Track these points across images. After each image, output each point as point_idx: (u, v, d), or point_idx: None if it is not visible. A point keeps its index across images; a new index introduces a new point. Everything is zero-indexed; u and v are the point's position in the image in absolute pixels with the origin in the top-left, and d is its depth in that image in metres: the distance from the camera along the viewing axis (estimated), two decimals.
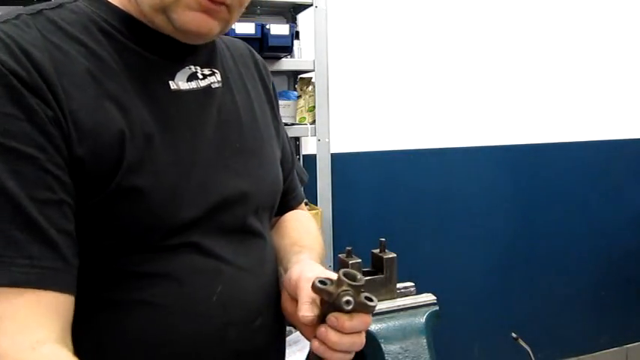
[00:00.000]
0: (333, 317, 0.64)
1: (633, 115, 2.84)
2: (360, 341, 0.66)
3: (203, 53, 0.77)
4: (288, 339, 0.86)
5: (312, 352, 0.66)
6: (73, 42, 0.64)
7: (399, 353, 0.68)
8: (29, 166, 0.56)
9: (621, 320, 2.91)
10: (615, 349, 2.90)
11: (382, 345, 0.68)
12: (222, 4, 0.67)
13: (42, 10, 0.65)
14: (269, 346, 0.78)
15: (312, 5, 1.90)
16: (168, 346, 0.67)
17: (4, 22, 0.61)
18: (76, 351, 0.59)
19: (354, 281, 0.61)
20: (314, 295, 0.66)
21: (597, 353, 2.86)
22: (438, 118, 2.45)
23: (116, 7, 0.69)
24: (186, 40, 0.71)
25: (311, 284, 0.64)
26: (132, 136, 0.63)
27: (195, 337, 0.68)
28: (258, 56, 0.90)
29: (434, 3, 2.40)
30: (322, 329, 0.65)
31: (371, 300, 0.63)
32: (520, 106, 2.60)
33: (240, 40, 0.90)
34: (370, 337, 0.69)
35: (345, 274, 0.62)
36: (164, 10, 0.65)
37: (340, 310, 0.62)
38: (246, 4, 0.73)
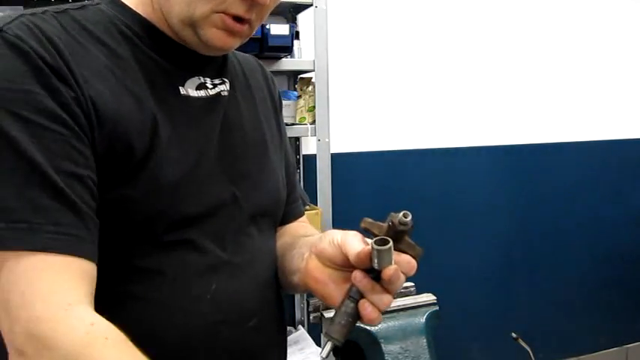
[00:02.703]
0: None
1: (633, 115, 2.84)
2: (399, 285, 0.65)
3: (214, 66, 0.79)
4: (288, 339, 0.85)
5: (343, 304, 0.63)
6: (94, 41, 0.68)
7: (399, 353, 0.68)
8: (55, 141, 0.59)
9: (621, 320, 2.91)
10: (615, 349, 2.91)
11: (382, 345, 0.68)
12: (247, 23, 0.70)
13: (67, 9, 0.69)
14: (266, 348, 0.78)
15: (312, 5, 1.90)
16: (159, 341, 0.67)
17: (32, 14, 0.66)
18: None
19: (404, 225, 0.61)
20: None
21: (597, 353, 2.86)
22: (439, 118, 2.45)
23: (138, 13, 0.73)
24: (207, 53, 0.74)
25: (361, 223, 0.64)
26: (145, 129, 0.66)
27: (186, 334, 0.68)
28: (267, 70, 0.95)
29: (434, 3, 2.40)
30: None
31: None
32: (520, 107, 2.60)
33: (251, 56, 0.94)
34: (370, 337, 0.69)
35: (394, 218, 0.62)
36: (192, 25, 0.69)
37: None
38: (264, 20, 0.75)
